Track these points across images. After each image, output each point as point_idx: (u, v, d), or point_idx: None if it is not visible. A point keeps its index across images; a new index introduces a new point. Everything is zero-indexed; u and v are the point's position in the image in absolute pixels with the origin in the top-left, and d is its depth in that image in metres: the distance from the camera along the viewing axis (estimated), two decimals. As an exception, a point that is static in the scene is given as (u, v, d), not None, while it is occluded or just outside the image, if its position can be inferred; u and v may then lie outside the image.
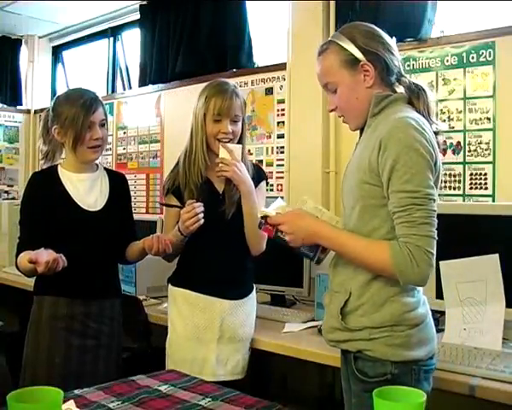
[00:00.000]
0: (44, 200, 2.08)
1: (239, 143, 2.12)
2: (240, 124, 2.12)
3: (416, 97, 1.56)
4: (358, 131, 1.65)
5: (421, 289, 1.55)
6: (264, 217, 1.62)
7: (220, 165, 2.04)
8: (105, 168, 2.27)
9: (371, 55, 1.53)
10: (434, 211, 1.42)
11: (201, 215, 1.98)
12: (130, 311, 2.50)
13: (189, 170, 2.10)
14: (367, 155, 1.48)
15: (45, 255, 1.83)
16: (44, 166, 2.24)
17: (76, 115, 2.05)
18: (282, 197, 1.79)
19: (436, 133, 1.52)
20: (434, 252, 1.42)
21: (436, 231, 1.42)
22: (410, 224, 1.40)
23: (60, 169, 2.16)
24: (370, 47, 1.53)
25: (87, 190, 2.13)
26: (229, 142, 2.08)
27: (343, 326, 1.51)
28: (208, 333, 2.10)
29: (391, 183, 1.43)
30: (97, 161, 2.23)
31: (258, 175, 2.20)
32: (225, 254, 2.10)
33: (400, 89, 1.60)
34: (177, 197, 2.13)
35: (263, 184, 2.22)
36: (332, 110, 1.63)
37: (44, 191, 2.11)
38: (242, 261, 2.16)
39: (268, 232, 1.64)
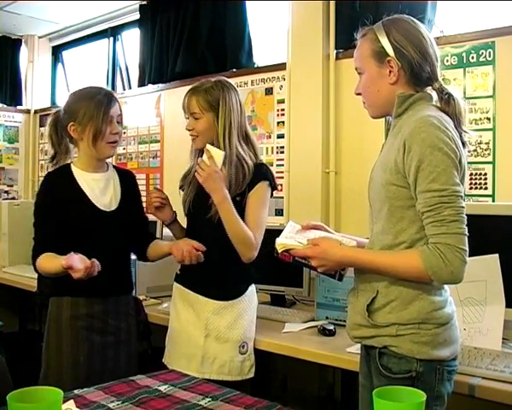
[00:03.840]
0: (61, 200, 2.05)
1: (217, 138, 2.09)
2: (202, 121, 2.09)
3: (445, 103, 1.55)
4: (384, 134, 1.67)
5: (447, 288, 1.55)
6: (287, 249, 1.62)
7: (197, 167, 2.04)
8: (113, 166, 2.25)
9: (400, 53, 1.53)
10: (463, 208, 1.43)
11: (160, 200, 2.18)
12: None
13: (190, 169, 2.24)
14: (392, 157, 1.49)
15: (78, 261, 1.82)
16: (51, 169, 2.19)
17: (96, 110, 2.02)
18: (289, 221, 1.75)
19: (463, 143, 1.52)
20: (466, 248, 1.42)
21: (466, 228, 1.43)
22: (439, 223, 1.41)
23: (73, 168, 2.11)
24: (401, 46, 1.53)
25: (102, 190, 2.11)
26: (195, 138, 2.14)
27: (370, 323, 1.52)
28: (196, 330, 2.13)
29: (417, 183, 1.44)
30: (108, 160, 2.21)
31: (255, 176, 2.10)
32: (213, 255, 2.06)
33: (429, 91, 1.59)
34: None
35: (260, 185, 2.11)
36: (357, 94, 1.65)
37: (60, 192, 2.07)
38: (230, 264, 2.12)
39: (286, 259, 1.64)
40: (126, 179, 2.21)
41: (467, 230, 1.43)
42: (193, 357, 2.12)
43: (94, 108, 2.03)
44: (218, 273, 2.12)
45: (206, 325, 2.12)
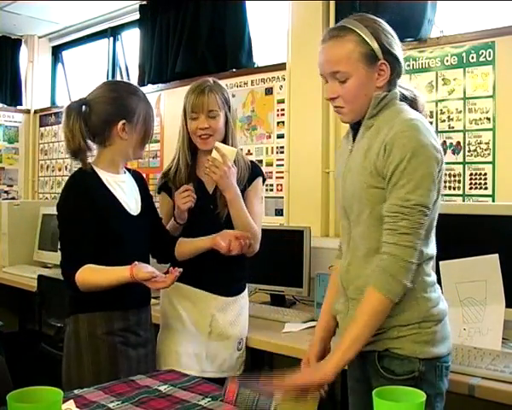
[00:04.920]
0: (93, 204, 1.83)
1: (225, 139, 2.12)
2: (219, 119, 2.10)
3: (412, 100, 1.56)
4: (349, 135, 1.62)
5: (438, 285, 1.55)
6: None
7: (209, 164, 2.02)
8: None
9: (391, 55, 1.51)
10: (421, 222, 1.40)
11: (193, 195, 2.04)
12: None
13: (178, 170, 2.15)
14: (372, 160, 1.46)
15: (152, 270, 1.72)
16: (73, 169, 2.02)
17: (149, 112, 1.93)
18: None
19: None
20: (414, 261, 1.41)
21: (419, 242, 1.41)
22: (392, 232, 1.41)
23: (97, 170, 1.90)
24: (392, 48, 1.52)
25: (127, 193, 1.94)
26: (209, 138, 2.08)
27: None
28: (199, 328, 2.11)
29: (388, 187, 1.43)
30: None
31: (253, 172, 2.18)
32: (219, 252, 2.04)
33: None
34: (170, 196, 2.17)
35: (258, 180, 2.19)
36: (331, 99, 1.55)
37: (92, 194, 1.84)
38: (236, 259, 2.10)
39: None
40: (139, 181, 2.06)
41: (420, 243, 1.41)
42: (195, 356, 2.10)
43: (146, 108, 1.92)
44: (225, 269, 2.11)
45: (211, 322, 2.11)
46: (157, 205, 2.18)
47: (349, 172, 1.56)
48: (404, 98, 1.56)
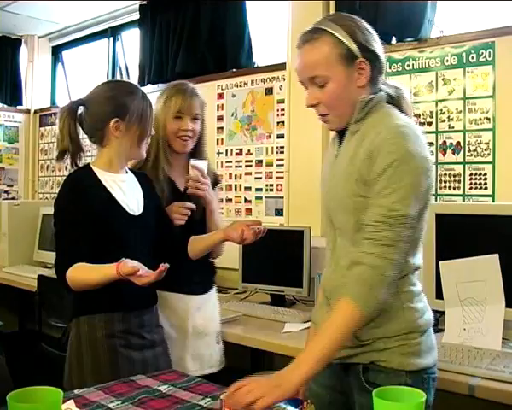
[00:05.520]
0: (90, 203, 1.82)
1: (199, 142, 2.18)
2: (199, 123, 2.16)
3: (398, 99, 1.51)
4: (335, 139, 1.57)
5: (423, 294, 1.50)
6: None
7: (192, 183, 2.11)
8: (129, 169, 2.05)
9: (369, 53, 1.45)
10: (404, 236, 1.33)
11: (188, 215, 2.11)
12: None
13: (154, 169, 2.13)
14: (357, 166, 1.40)
15: (136, 264, 1.66)
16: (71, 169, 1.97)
17: (146, 110, 1.89)
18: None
19: None
20: (392, 275, 1.33)
21: (401, 256, 1.34)
22: (375, 242, 1.33)
23: (95, 169, 1.89)
24: (370, 45, 1.45)
25: (127, 192, 1.91)
26: (189, 140, 2.13)
27: (355, 343, 1.42)
28: (180, 331, 2.11)
29: (371, 194, 1.37)
30: None
31: (216, 178, 2.31)
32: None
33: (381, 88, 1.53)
34: None
35: (218, 185, 2.35)
36: (312, 106, 1.49)
37: (88, 194, 1.83)
38: (206, 258, 2.14)
39: None
40: (143, 181, 2.02)
41: (402, 257, 1.34)
42: (181, 360, 2.09)
43: (147, 107, 1.89)
44: (199, 268, 2.13)
45: (190, 322, 2.12)
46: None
47: (333, 178, 1.50)
48: (390, 98, 1.51)
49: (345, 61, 1.43)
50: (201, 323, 2.14)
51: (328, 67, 1.43)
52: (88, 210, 1.80)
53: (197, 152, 2.20)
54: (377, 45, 1.48)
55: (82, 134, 1.91)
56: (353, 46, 1.43)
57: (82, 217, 1.79)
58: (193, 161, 2.12)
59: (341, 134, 1.52)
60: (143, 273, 1.66)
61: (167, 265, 1.68)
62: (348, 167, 1.43)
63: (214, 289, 2.28)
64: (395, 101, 1.51)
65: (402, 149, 1.34)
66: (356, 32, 1.44)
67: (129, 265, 1.65)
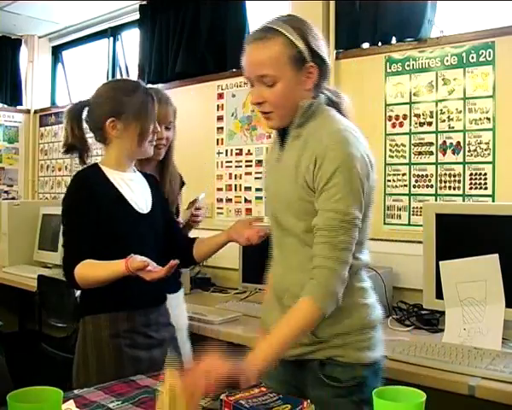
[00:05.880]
0: (98, 201, 1.81)
1: (168, 149, 2.25)
2: (172, 130, 2.24)
3: (337, 102, 1.53)
4: (275, 144, 1.58)
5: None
6: None
7: (195, 217, 2.36)
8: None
9: (318, 58, 1.47)
10: (355, 239, 1.40)
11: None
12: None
13: None
14: (302, 173, 1.43)
15: (146, 259, 1.66)
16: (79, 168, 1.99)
17: (146, 107, 1.88)
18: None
19: None
20: (347, 275, 1.40)
21: (351, 257, 1.41)
22: (332, 246, 1.38)
23: (103, 168, 1.90)
24: (320, 50, 1.47)
25: (136, 191, 1.92)
26: (162, 148, 2.19)
27: (312, 340, 1.46)
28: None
29: (320, 199, 1.40)
30: None
31: (182, 181, 2.41)
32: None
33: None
34: None
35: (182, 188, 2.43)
36: (258, 104, 1.49)
37: (97, 191, 1.83)
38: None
39: None
40: (150, 181, 2.03)
41: (351, 257, 1.41)
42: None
43: (147, 104, 1.88)
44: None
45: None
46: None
47: (278, 183, 1.52)
48: (330, 102, 1.53)
49: (295, 63, 1.44)
50: (174, 320, 2.06)
51: (279, 67, 1.43)
52: (96, 208, 1.80)
53: (167, 159, 2.26)
54: (325, 51, 1.50)
55: (90, 133, 1.95)
56: (305, 50, 1.44)
57: (90, 214, 1.79)
58: (201, 196, 2.41)
59: (282, 136, 1.54)
60: (152, 269, 1.66)
61: (177, 261, 1.68)
62: (293, 173, 1.46)
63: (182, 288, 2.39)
64: (335, 104, 1.54)
65: (345, 153, 1.38)
66: (308, 36, 1.46)
67: (138, 260, 1.65)
